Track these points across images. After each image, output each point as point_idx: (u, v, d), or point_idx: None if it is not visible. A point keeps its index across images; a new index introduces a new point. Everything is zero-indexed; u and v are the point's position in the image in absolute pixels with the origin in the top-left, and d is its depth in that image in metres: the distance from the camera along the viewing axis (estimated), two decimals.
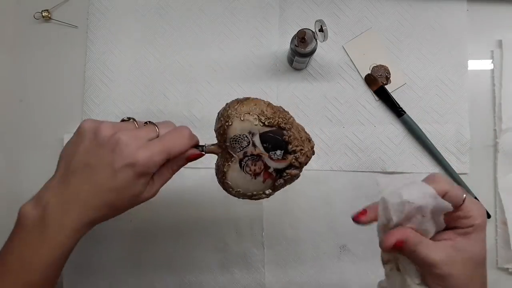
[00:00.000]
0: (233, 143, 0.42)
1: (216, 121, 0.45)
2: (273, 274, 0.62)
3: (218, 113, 0.45)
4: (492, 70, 0.64)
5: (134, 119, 0.44)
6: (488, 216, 0.61)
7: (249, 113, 0.41)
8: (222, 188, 0.45)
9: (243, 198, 0.45)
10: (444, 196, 0.36)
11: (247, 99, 0.44)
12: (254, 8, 0.66)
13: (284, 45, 0.65)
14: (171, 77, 0.65)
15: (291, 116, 0.44)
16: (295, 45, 0.57)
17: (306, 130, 0.46)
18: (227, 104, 0.44)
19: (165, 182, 0.45)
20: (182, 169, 0.63)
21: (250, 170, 0.43)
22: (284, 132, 0.42)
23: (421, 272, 0.37)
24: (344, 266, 0.62)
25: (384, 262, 0.39)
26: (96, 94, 0.64)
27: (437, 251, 0.36)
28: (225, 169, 0.43)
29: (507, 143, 0.62)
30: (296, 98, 0.64)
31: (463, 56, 0.64)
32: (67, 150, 0.42)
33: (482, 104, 0.64)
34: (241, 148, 0.42)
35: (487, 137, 0.63)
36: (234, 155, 0.43)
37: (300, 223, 0.63)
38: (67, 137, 0.63)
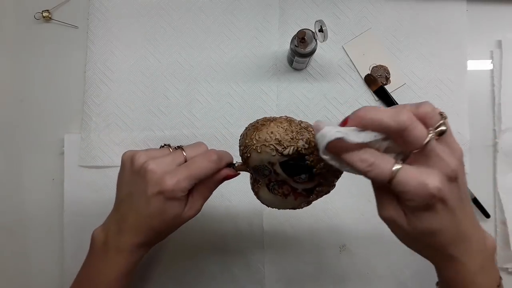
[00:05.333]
0: (255, 172, 0.42)
1: (239, 143, 0.43)
2: (273, 274, 0.62)
3: (240, 135, 0.43)
4: (492, 70, 0.64)
5: (169, 145, 0.46)
6: (488, 216, 0.62)
7: (265, 145, 0.39)
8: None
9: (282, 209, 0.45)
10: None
11: (263, 124, 0.40)
12: (254, 9, 0.66)
13: (284, 45, 0.65)
14: (171, 77, 0.65)
15: (311, 130, 0.40)
16: (295, 45, 0.57)
17: None
18: (246, 128, 0.42)
19: (206, 199, 0.47)
20: None
21: (279, 193, 0.42)
22: (306, 157, 0.39)
23: None
24: (344, 266, 0.62)
25: None
26: (96, 94, 0.64)
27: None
28: (256, 190, 0.44)
29: (507, 143, 0.62)
30: (296, 98, 0.64)
31: (462, 56, 0.64)
32: (117, 180, 0.46)
33: (482, 104, 0.64)
34: (264, 176, 0.42)
35: (487, 137, 0.63)
36: (260, 180, 0.43)
37: (300, 223, 0.63)
38: (67, 137, 0.63)
